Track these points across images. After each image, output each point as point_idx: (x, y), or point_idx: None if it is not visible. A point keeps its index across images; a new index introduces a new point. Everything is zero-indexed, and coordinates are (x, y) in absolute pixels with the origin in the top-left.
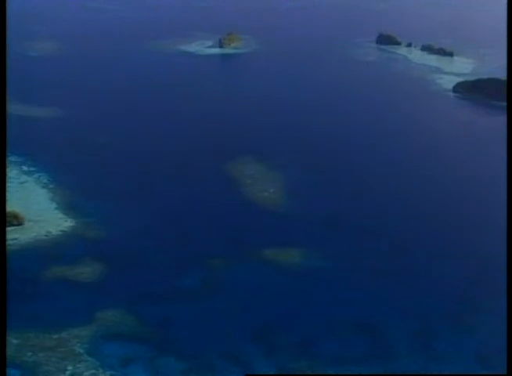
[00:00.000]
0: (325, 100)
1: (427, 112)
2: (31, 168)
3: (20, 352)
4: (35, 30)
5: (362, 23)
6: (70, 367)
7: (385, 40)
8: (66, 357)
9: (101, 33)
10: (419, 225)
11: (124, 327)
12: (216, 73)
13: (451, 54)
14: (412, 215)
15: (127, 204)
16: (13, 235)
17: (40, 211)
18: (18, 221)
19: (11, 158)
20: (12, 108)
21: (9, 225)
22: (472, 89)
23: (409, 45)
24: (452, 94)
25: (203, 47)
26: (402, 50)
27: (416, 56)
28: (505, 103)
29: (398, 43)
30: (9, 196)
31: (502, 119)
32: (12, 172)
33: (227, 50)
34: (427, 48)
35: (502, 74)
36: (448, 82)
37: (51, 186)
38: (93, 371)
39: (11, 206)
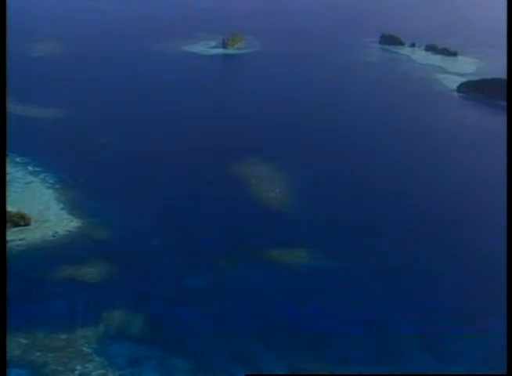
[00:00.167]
0: (329, 101)
1: (432, 112)
2: (37, 169)
3: (29, 352)
4: (35, 30)
5: (365, 24)
6: (78, 367)
7: (388, 40)
8: (74, 357)
9: (104, 33)
10: (421, 225)
11: (132, 327)
12: (220, 73)
13: (455, 54)
14: (418, 215)
15: (132, 204)
16: (20, 235)
17: (46, 212)
18: (25, 221)
19: (16, 159)
20: (13, 108)
21: (16, 226)
22: (476, 89)
23: (413, 45)
24: (456, 94)
25: (207, 47)
26: (406, 50)
27: (420, 56)
28: None
29: (401, 43)
30: (15, 196)
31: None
32: (18, 173)
33: (230, 51)
34: (431, 48)
35: None
36: (453, 82)
37: (56, 186)
38: (102, 371)
39: (18, 207)
